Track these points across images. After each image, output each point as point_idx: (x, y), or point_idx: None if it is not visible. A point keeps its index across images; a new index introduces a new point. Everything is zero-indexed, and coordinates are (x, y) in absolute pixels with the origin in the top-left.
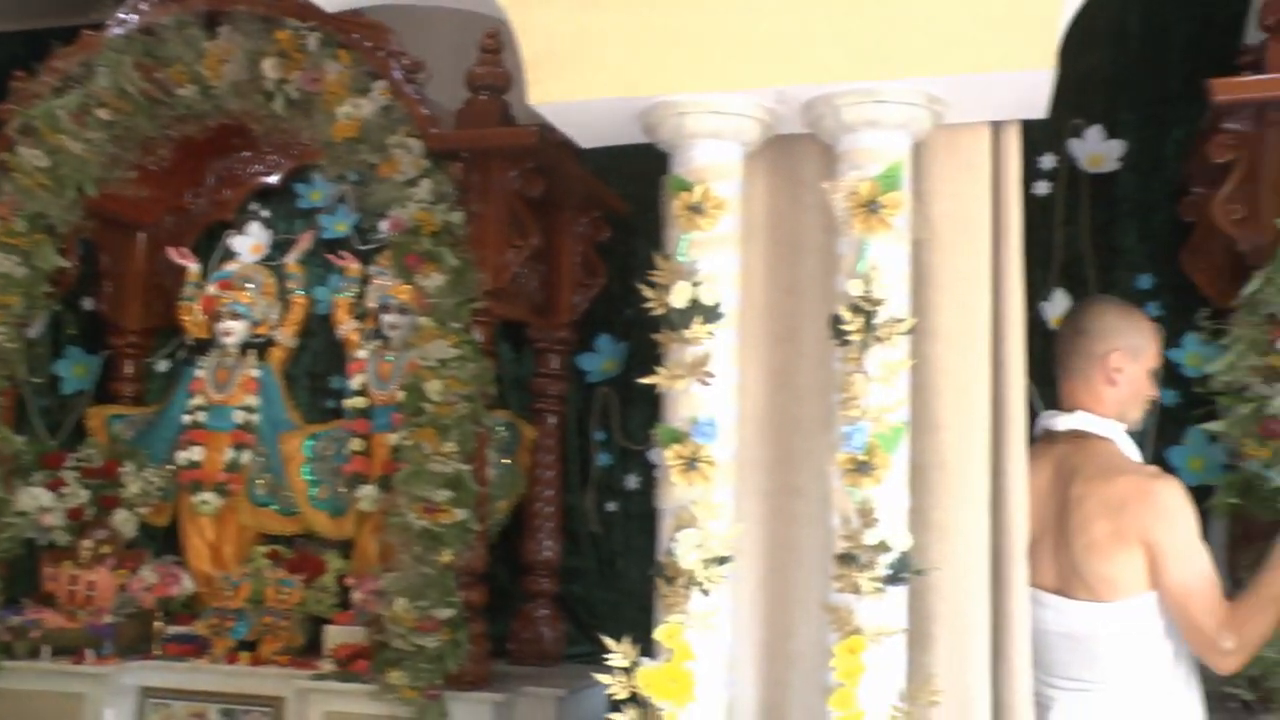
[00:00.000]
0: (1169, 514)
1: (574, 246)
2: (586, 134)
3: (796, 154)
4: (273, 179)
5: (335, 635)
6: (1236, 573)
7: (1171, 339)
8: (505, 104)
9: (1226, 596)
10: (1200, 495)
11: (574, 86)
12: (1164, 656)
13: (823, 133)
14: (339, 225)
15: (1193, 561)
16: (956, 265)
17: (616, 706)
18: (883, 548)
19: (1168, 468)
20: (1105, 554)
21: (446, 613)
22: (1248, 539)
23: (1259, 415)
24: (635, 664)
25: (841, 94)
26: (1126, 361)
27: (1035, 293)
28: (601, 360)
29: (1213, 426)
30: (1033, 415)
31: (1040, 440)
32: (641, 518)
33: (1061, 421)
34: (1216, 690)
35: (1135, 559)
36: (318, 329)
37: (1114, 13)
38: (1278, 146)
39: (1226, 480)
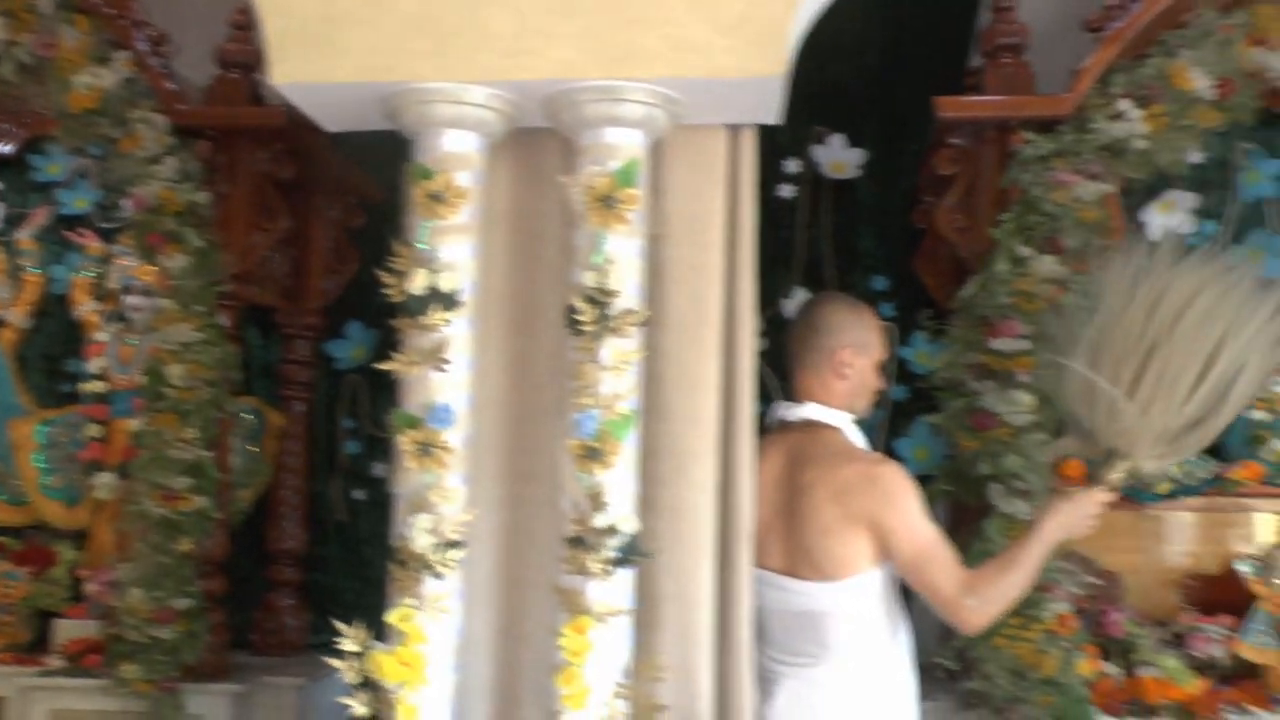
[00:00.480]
0: (893, 495)
1: (325, 231)
2: (331, 117)
3: (539, 147)
4: (5, 149)
5: (65, 629)
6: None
7: (903, 337)
8: (256, 82)
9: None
10: (925, 484)
11: (317, 68)
12: (884, 631)
13: (563, 127)
14: (79, 201)
15: (922, 533)
16: (691, 261)
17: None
18: (611, 531)
19: (896, 458)
20: (834, 535)
21: (184, 603)
22: (961, 524)
23: (971, 409)
24: (367, 649)
25: (581, 90)
26: (855, 357)
27: (778, 290)
28: (351, 347)
29: (933, 419)
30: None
31: (774, 429)
32: (388, 506)
33: (794, 412)
34: (926, 661)
35: (862, 539)
36: (54, 309)
37: (858, 28)
38: (993, 161)
39: (943, 469)
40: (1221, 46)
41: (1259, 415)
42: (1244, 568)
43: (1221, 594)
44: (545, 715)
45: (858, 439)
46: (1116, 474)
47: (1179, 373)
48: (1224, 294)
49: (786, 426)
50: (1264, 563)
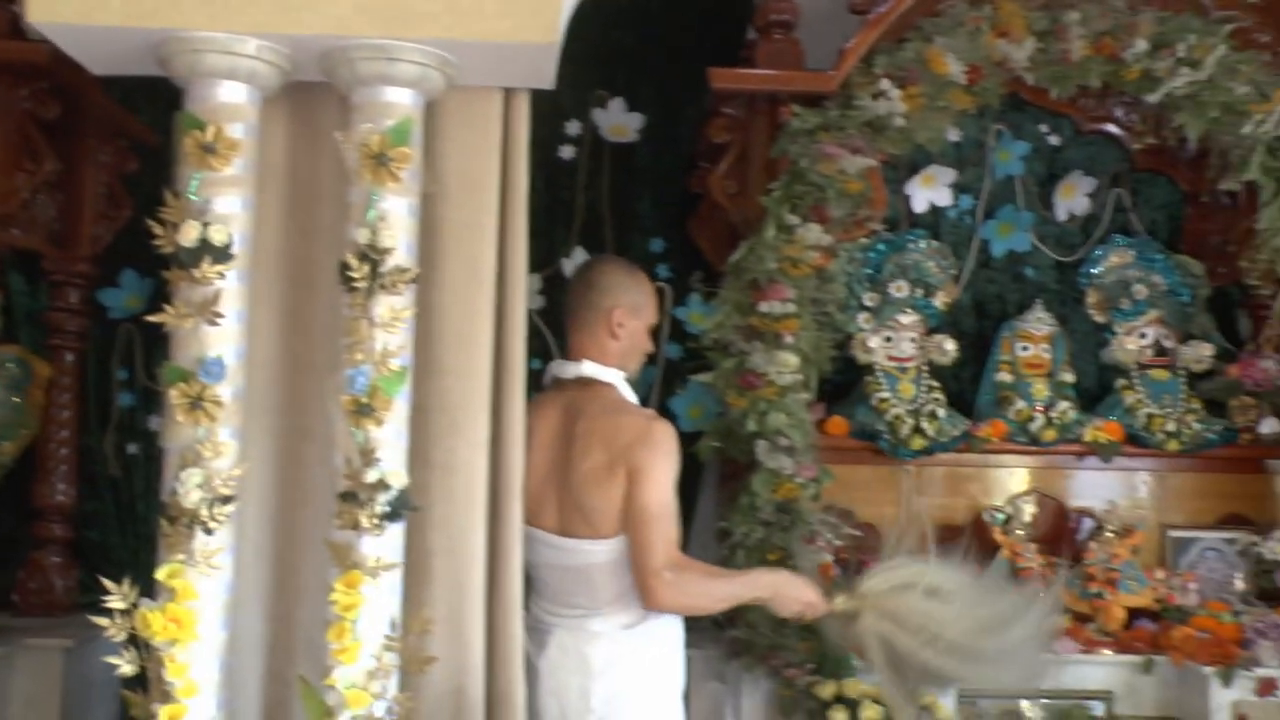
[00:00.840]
0: (657, 449)
1: (97, 176)
2: (96, 59)
3: (315, 102)
4: None
5: None
6: (719, 506)
7: (679, 298)
8: (15, 15)
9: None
10: (696, 440)
11: (78, 9)
12: None
13: (339, 83)
14: None
15: (663, 493)
16: (465, 220)
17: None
18: (382, 486)
19: (669, 415)
20: (601, 485)
21: None
22: (731, 478)
23: (740, 369)
24: (135, 606)
25: (355, 47)
26: (628, 318)
27: (557, 250)
28: (125, 296)
29: (704, 378)
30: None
31: (550, 387)
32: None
33: (570, 370)
34: None
35: (622, 490)
36: None
37: None
38: (764, 132)
39: (712, 426)
40: (971, 36)
41: (1004, 377)
42: (988, 518)
43: (969, 543)
44: (318, 670)
45: (630, 396)
46: (840, 604)
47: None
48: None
49: (562, 384)
50: (1006, 514)
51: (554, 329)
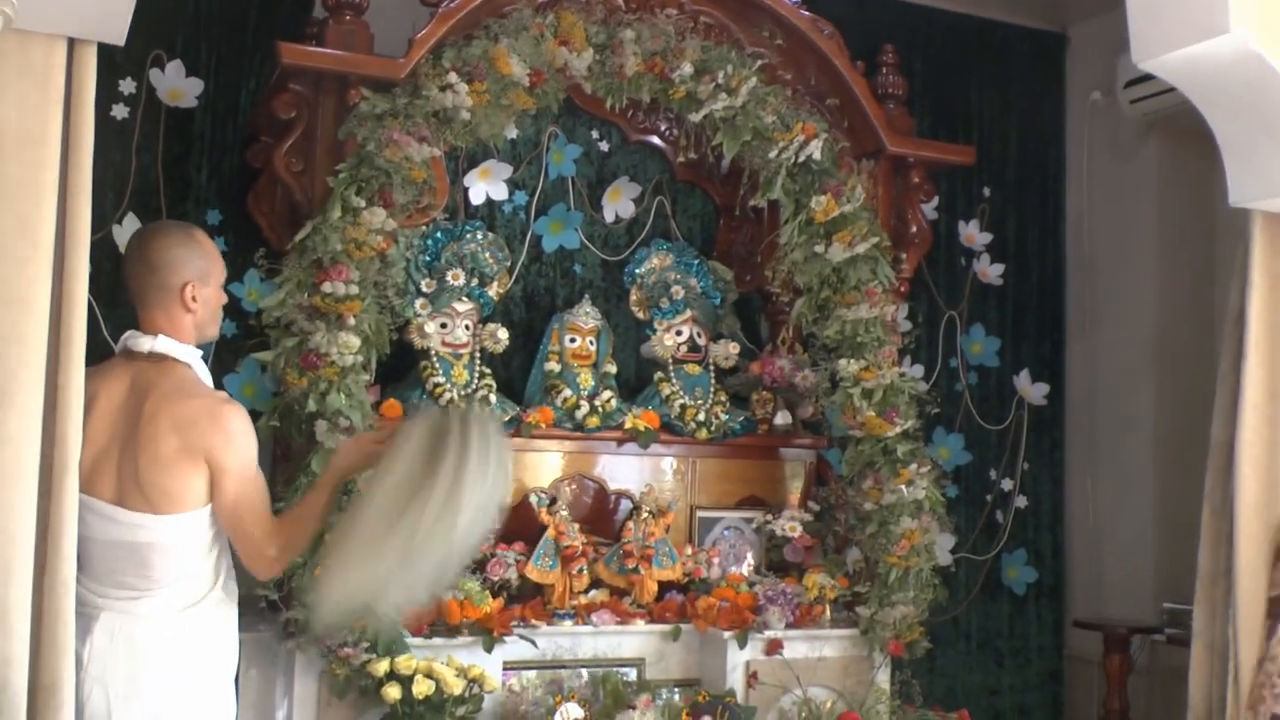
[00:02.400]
0: (233, 436)
1: None
2: None
3: None
4: None
5: None
6: (276, 487)
7: (235, 274)
8: None
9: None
10: (253, 419)
11: None
12: (211, 565)
13: None
14: None
15: (250, 480)
16: (20, 177)
17: None
18: None
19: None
20: (170, 469)
21: None
22: (287, 458)
23: (302, 348)
24: None
25: None
26: (199, 288)
27: (109, 215)
28: None
29: (262, 356)
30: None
31: (119, 356)
32: None
33: (144, 344)
34: (248, 594)
35: (198, 475)
36: None
37: None
38: (331, 112)
39: (271, 406)
40: (535, 41)
41: (552, 366)
42: (535, 500)
43: (516, 523)
44: None
45: (206, 377)
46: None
47: None
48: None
49: (132, 356)
50: (551, 496)
51: (99, 298)
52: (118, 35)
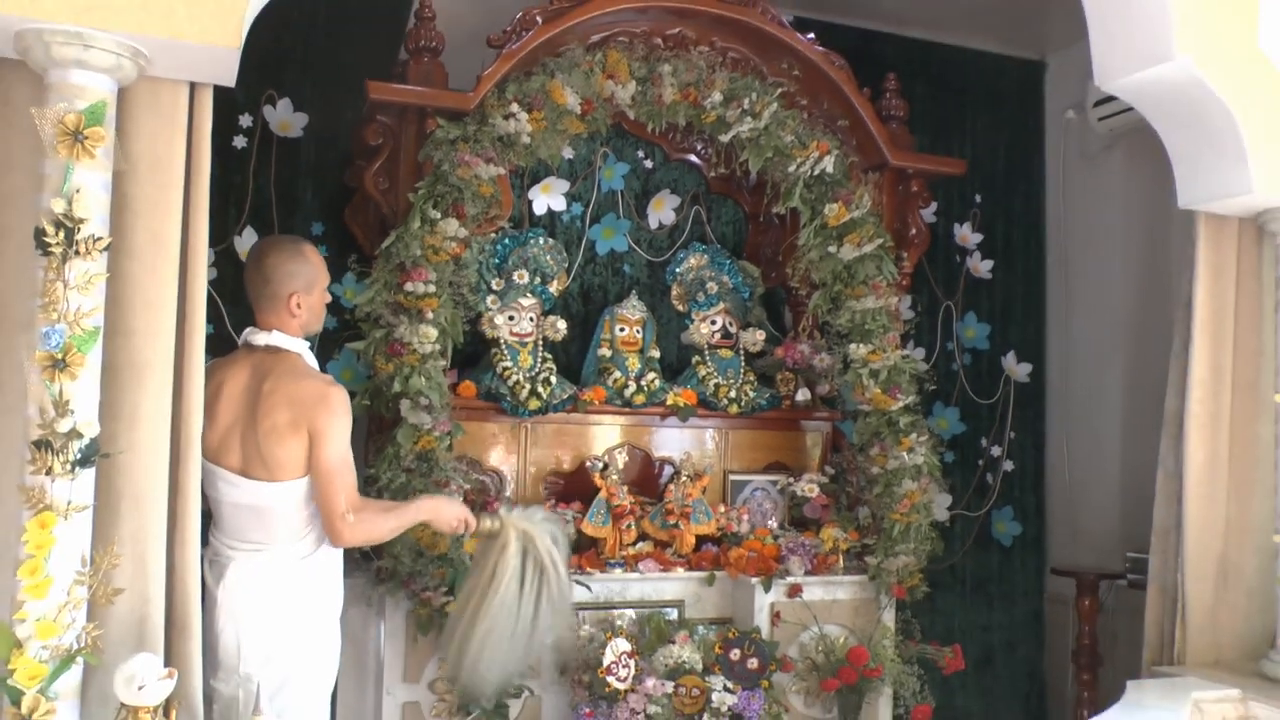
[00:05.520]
0: (334, 412)
1: None
2: None
3: (10, 79)
4: None
5: None
6: (369, 456)
7: (335, 276)
8: None
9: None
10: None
11: None
12: (317, 525)
13: (33, 63)
14: None
15: (341, 449)
16: (152, 197)
17: None
18: (74, 434)
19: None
20: (283, 440)
21: None
22: (379, 431)
23: (388, 339)
24: None
25: (50, 32)
26: (304, 297)
27: (230, 228)
28: None
29: (355, 345)
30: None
31: (242, 349)
32: None
33: (261, 338)
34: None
35: (302, 445)
36: None
37: (308, 4)
38: (412, 138)
39: (364, 387)
40: (585, 75)
41: (604, 352)
42: (590, 466)
43: (575, 486)
44: (10, 605)
45: (313, 363)
46: (486, 524)
47: None
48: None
49: (253, 347)
50: (604, 462)
51: (224, 297)
52: (229, 79)
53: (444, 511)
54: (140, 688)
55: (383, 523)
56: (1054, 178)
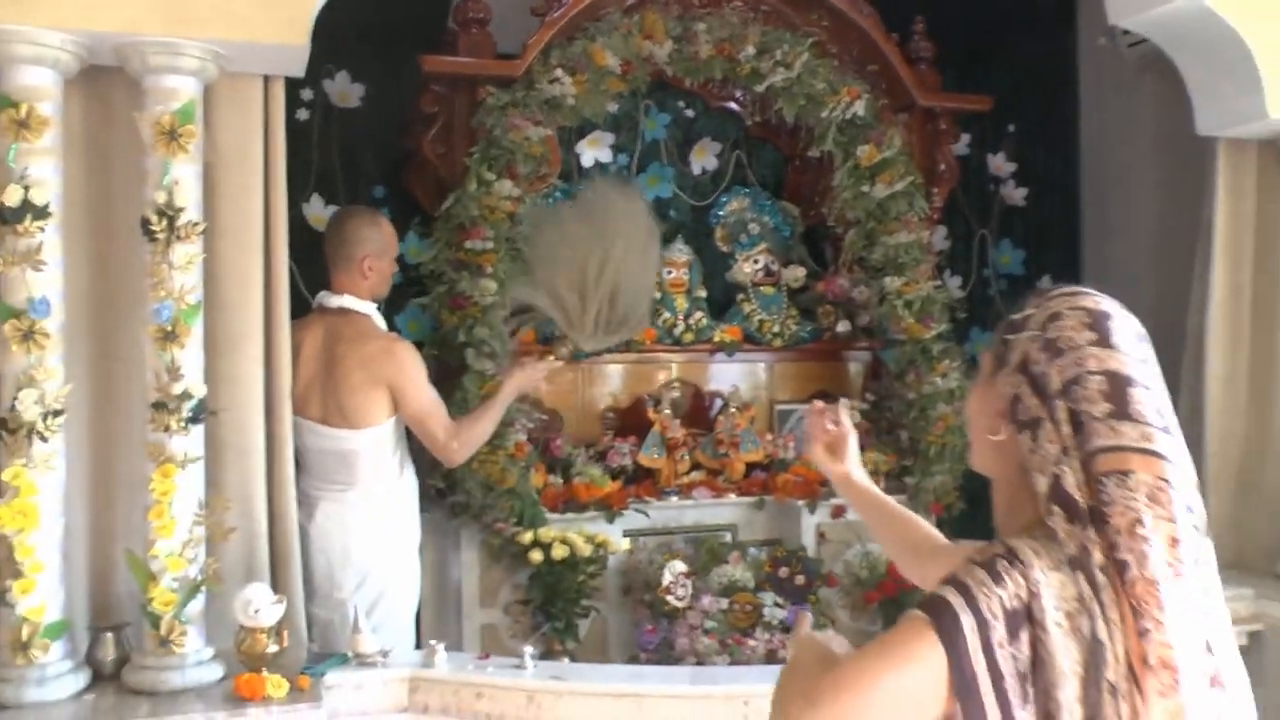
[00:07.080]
0: (405, 365)
1: None
2: None
3: (108, 84)
4: None
5: None
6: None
7: (400, 235)
8: None
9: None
10: (419, 349)
11: None
12: (395, 465)
13: (131, 70)
14: None
15: (425, 394)
16: (237, 181)
17: None
18: (186, 396)
19: (394, 329)
20: (358, 394)
21: None
22: (448, 378)
23: (451, 293)
24: None
25: (145, 43)
26: (375, 261)
27: (297, 197)
28: None
29: (421, 300)
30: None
31: (315, 311)
32: None
33: (333, 301)
34: (423, 484)
35: (381, 398)
36: None
37: None
38: (465, 105)
39: (430, 338)
40: (625, 38)
41: (655, 295)
42: (646, 401)
43: (630, 421)
44: (141, 544)
45: (381, 323)
46: (564, 351)
47: (606, 290)
48: (626, 225)
49: (325, 310)
50: (658, 398)
51: (296, 260)
52: (299, 70)
53: (523, 384)
54: (256, 611)
55: (480, 429)
56: (1087, 104)
